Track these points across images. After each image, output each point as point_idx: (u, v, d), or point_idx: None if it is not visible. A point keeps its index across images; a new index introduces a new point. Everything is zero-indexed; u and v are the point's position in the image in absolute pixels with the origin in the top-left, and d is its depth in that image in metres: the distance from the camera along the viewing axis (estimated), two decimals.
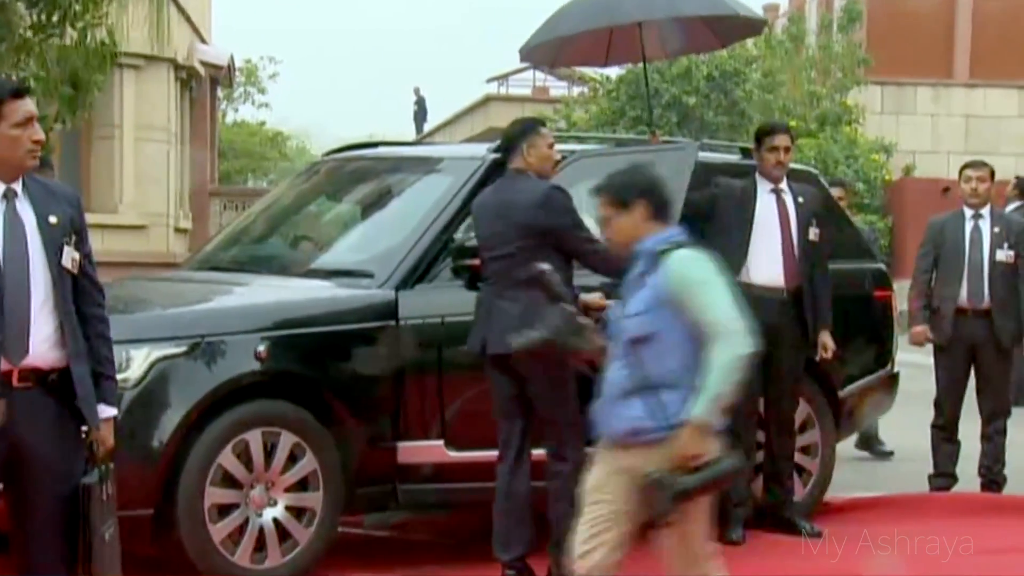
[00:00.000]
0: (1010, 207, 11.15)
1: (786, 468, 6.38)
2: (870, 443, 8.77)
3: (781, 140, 6.33)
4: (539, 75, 42.82)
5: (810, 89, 22.07)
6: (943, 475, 7.22)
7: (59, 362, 3.64)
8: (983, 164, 7.29)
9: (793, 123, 20.07)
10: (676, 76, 20.33)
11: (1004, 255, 7.09)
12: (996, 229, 7.14)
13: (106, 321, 3.82)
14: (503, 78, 42.61)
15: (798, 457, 6.61)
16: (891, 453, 8.74)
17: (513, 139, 5.56)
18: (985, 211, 7.17)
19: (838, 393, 6.83)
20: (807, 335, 6.27)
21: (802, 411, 6.61)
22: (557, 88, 39.30)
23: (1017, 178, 11.48)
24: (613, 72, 21.85)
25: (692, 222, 5.98)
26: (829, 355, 6.33)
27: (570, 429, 5.30)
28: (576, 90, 32.19)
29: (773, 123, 6.89)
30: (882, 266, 7.49)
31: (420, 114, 37.90)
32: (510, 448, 5.39)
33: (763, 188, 6.33)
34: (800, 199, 6.38)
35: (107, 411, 3.78)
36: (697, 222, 6.09)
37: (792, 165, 7.44)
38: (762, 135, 6.39)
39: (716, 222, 6.19)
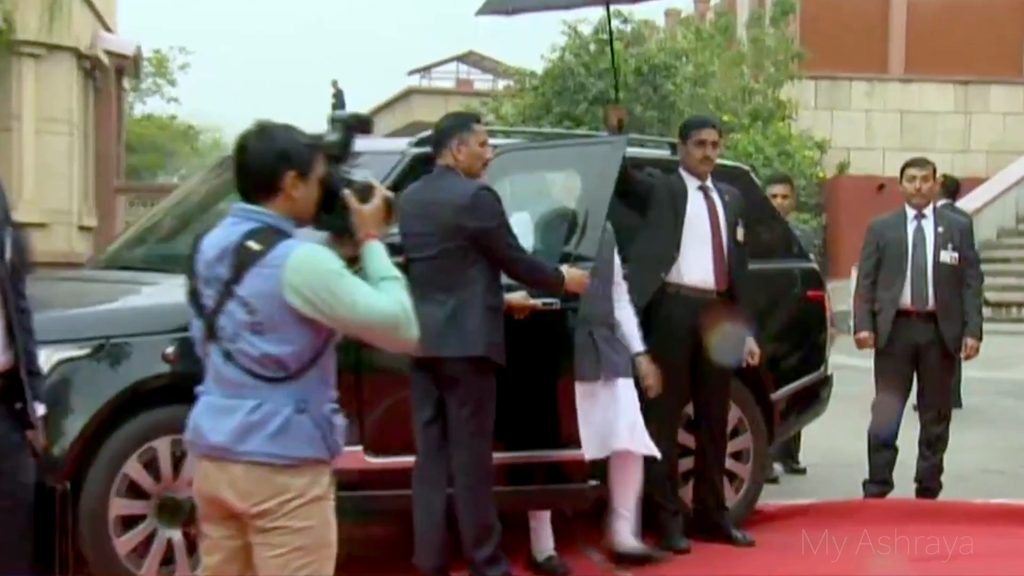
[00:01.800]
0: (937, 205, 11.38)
1: (718, 474, 6.44)
2: (784, 458, 8.45)
3: (708, 134, 6.31)
4: (463, 67, 42.87)
5: (742, 83, 22.29)
6: (877, 481, 7.28)
7: (7, 364, 3.62)
8: (926, 162, 7.33)
9: (725, 118, 20.27)
10: (603, 70, 20.42)
11: (949, 256, 7.11)
12: (940, 229, 7.16)
13: (29, 313, 3.81)
14: (425, 70, 42.58)
15: (730, 463, 6.68)
16: (803, 470, 8.41)
17: (443, 134, 5.55)
18: (928, 211, 7.20)
19: (770, 397, 6.92)
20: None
21: (733, 415, 6.68)
22: (482, 81, 39.38)
23: (944, 176, 11.68)
24: (539, 66, 21.92)
25: (631, 211, 6.15)
26: (755, 361, 6.39)
27: (479, 441, 5.35)
28: (502, 83, 32.26)
29: (701, 116, 6.91)
30: (815, 266, 7.57)
31: (338, 107, 37.68)
32: (427, 453, 5.42)
33: (691, 185, 6.33)
34: (726, 197, 6.40)
35: (40, 409, 3.76)
36: (634, 212, 6.21)
37: (724, 161, 7.54)
38: (689, 129, 6.37)
39: (650, 216, 6.24)
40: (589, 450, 5.68)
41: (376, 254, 3.32)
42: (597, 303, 5.82)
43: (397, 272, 3.31)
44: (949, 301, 7.09)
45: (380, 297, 3.22)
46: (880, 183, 20.84)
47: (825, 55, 23.64)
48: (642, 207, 6.26)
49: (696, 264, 6.22)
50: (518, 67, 23.52)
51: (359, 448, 5.60)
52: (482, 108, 23.10)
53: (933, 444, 7.21)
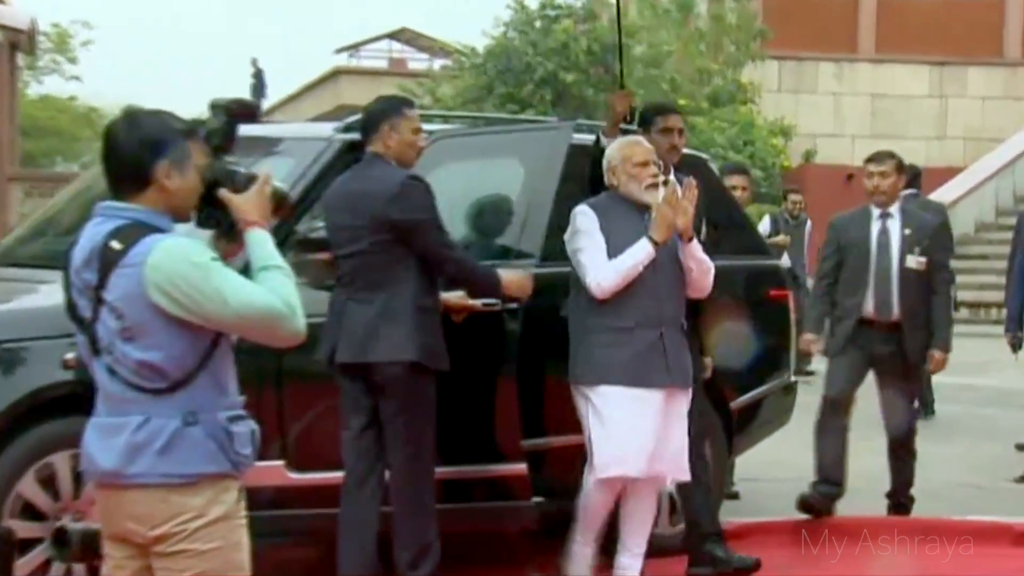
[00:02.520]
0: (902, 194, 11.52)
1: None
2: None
3: (674, 121, 6.31)
4: (396, 45, 42.78)
5: (700, 64, 22.41)
6: (827, 481, 7.16)
7: None
8: (888, 156, 7.25)
9: (682, 101, 20.36)
10: (551, 50, 20.48)
11: (915, 261, 7.02)
12: (907, 231, 7.07)
13: None
14: (355, 48, 42.46)
15: None
16: (736, 495, 8.12)
17: (373, 120, 5.57)
18: (894, 209, 7.13)
19: (730, 405, 6.97)
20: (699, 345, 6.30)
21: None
22: (417, 61, 39.31)
23: (909, 166, 11.83)
24: (480, 44, 21.93)
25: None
26: (707, 374, 6.42)
27: (419, 450, 5.38)
28: (439, 63, 32.22)
29: (662, 102, 6.95)
30: (779, 263, 7.63)
31: (258, 89, 37.54)
32: (357, 467, 5.43)
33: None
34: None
35: None
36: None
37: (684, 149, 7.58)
38: (652, 115, 6.31)
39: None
40: (616, 466, 5.61)
41: (256, 243, 3.31)
42: (666, 304, 5.80)
43: (280, 261, 3.30)
44: (915, 310, 7.04)
45: (254, 289, 3.20)
46: (849, 173, 21.04)
47: (790, 34, 23.82)
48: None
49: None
50: (457, 45, 23.52)
51: (280, 463, 5.60)
52: (417, 90, 23.06)
53: (900, 458, 7.26)
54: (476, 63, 21.69)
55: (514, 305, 5.81)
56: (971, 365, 11.48)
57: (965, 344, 11.57)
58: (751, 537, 6.91)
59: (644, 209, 5.82)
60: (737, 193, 8.12)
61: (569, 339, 5.82)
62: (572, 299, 5.89)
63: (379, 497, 5.41)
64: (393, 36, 42.40)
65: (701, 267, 5.88)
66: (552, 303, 6.06)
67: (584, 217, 5.83)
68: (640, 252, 5.70)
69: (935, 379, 11.38)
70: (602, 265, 5.73)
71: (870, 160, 7.30)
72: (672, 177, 6.29)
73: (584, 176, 6.27)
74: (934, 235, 7.21)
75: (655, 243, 5.70)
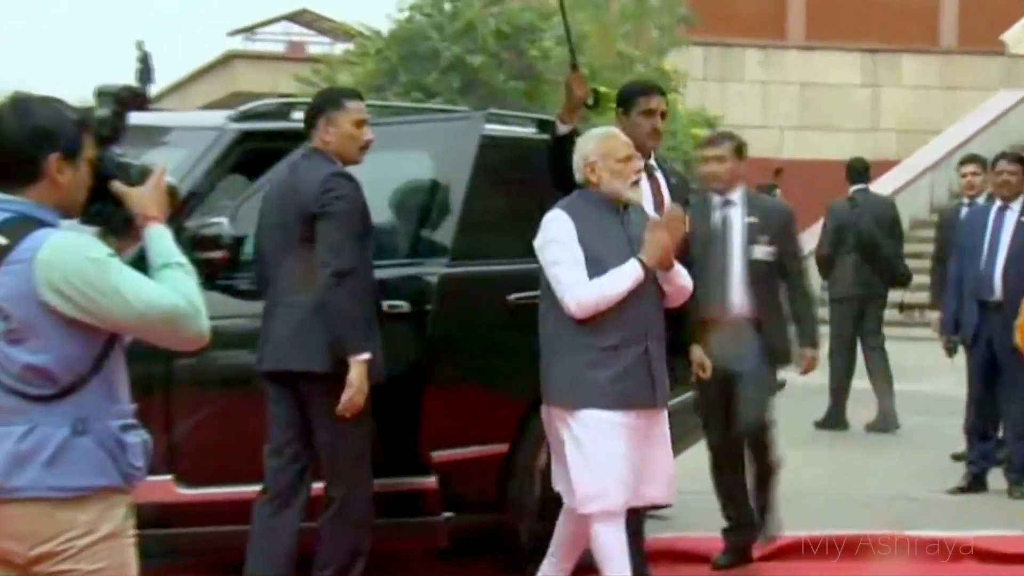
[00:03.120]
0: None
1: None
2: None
3: (658, 102, 6.21)
4: (295, 28, 42.55)
5: (621, 50, 22.52)
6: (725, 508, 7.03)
7: None
8: (725, 138, 7.02)
9: (602, 89, 20.44)
10: (458, 32, 20.48)
11: (763, 252, 6.76)
12: (752, 219, 6.81)
13: None
14: (249, 31, 42.17)
15: None
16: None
17: (309, 114, 5.65)
18: (737, 196, 6.83)
19: None
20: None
21: None
22: (317, 45, 39.13)
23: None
24: (385, 27, 21.88)
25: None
26: (706, 374, 6.45)
27: (351, 462, 5.42)
28: (340, 47, 32.07)
29: (644, 81, 6.77)
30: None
31: (144, 74, 37.11)
32: (277, 480, 5.45)
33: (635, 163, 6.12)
34: (672, 179, 6.31)
35: None
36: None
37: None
38: (634, 96, 6.24)
39: None
40: (599, 500, 5.46)
41: (156, 239, 3.30)
42: (651, 315, 5.62)
43: (182, 258, 3.30)
44: (768, 306, 6.78)
45: (154, 288, 3.19)
46: (778, 167, 21.25)
47: (715, 18, 24.03)
48: (567, 184, 6.00)
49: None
50: (360, 28, 23.45)
51: (168, 478, 5.57)
52: (315, 77, 22.96)
53: (761, 480, 6.85)
54: (379, 48, 21.62)
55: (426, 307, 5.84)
56: (905, 370, 11.65)
57: (898, 348, 11.75)
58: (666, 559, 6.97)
59: (623, 207, 5.65)
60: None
61: (541, 356, 5.63)
62: (544, 312, 5.65)
63: (300, 514, 5.43)
64: (292, 18, 42.17)
65: (680, 291, 5.75)
66: (464, 306, 6.07)
67: (558, 225, 5.58)
68: (628, 278, 5.50)
69: (860, 385, 11.55)
70: (581, 283, 5.50)
71: (706, 143, 7.20)
72: (653, 162, 6.26)
73: (498, 169, 6.29)
74: (783, 223, 6.93)
75: (645, 267, 5.50)
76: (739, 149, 6.92)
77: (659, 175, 6.30)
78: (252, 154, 6.30)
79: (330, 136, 5.55)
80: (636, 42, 22.93)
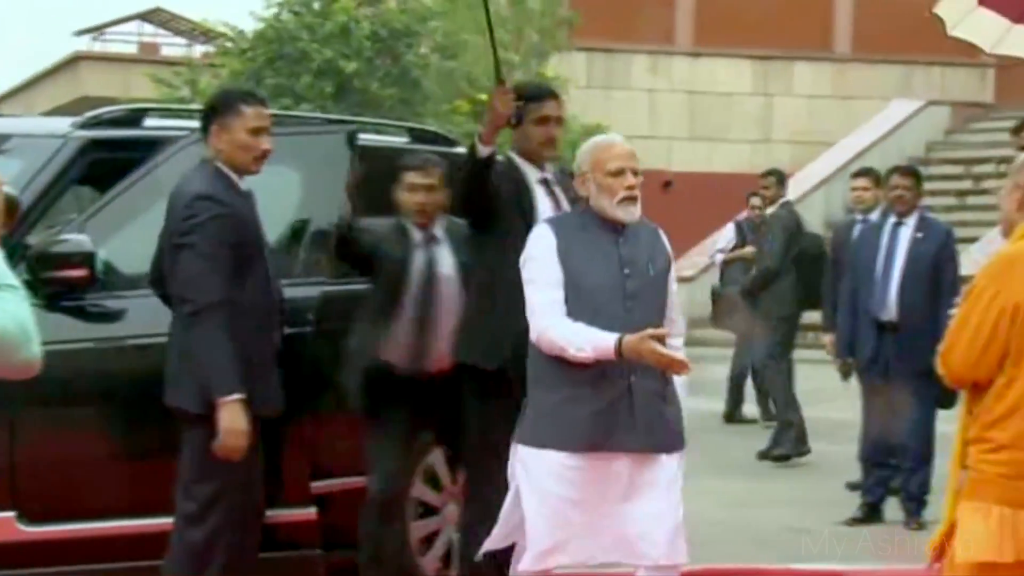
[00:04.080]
0: (775, 206, 11.79)
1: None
2: None
3: (552, 108, 6.08)
4: (147, 28, 42.13)
5: (500, 55, 22.59)
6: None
7: None
8: (434, 165, 6.48)
9: (482, 96, 20.49)
10: (330, 35, 20.40)
11: None
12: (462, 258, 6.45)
13: None
14: (98, 31, 41.67)
15: None
16: None
17: (204, 116, 5.58)
18: (439, 230, 6.43)
19: None
20: None
21: None
22: (173, 46, 38.79)
23: (775, 172, 12.14)
24: (249, 27, 21.75)
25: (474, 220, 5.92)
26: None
27: (195, 511, 5.40)
28: (199, 48, 31.84)
29: (538, 85, 6.55)
30: None
31: None
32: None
33: (531, 177, 6.07)
34: (570, 192, 6.08)
35: None
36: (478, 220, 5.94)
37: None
38: (526, 102, 6.06)
39: (495, 225, 5.89)
40: (556, 554, 5.20)
41: None
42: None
43: (14, 280, 3.23)
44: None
45: None
46: (666, 180, 21.43)
47: (600, 23, 24.17)
48: (482, 214, 5.95)
49: None
50: (220, 27, 23.27)
51: (11, 515, 5.48)
52: (175, 79, 22.76)
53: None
54: (243, 49, 21.47)
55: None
56: (799, 394, 11.78)
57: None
58: None
59: (618, 228, 5.36)
60: None
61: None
62: (531, 340, 5.35)
63: None
64: (145, 17, 41.73)
65: None
66: (345, 327, 6.06)
67: (538, 242, 5.34)
68: (600, 349, 5.11)
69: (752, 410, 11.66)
70: (550, 310, 5.21)
71: (412, 169, 6.52)
72: (549, 175, 6.11)
73: (375, 182, 6.27)
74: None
75: (620, 352, 5.09)
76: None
77: (558, 191, 6.12)
78: (100, 164, 6.22)
79: (222, 144, 5.48)
80: (516, 47, 23.00)
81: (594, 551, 5.25)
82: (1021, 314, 4.43)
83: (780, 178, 12.11)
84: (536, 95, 6.20)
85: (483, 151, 5.76)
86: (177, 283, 5.37)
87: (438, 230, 6.42)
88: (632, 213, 5.36)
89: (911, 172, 9.26)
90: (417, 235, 6.36)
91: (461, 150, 6.78)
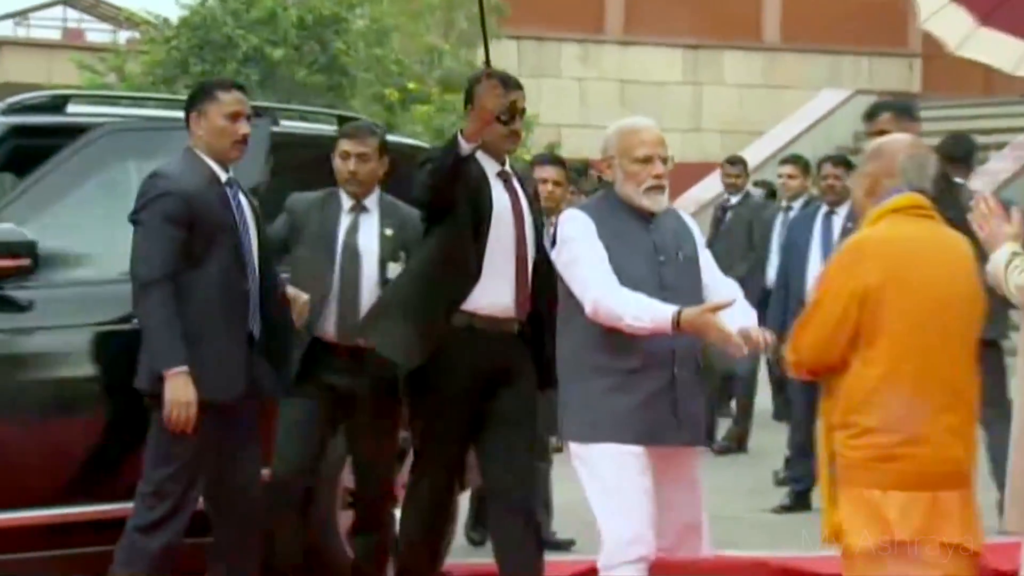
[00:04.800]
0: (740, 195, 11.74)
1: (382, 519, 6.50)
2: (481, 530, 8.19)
3: (514, 98, 5.82)
4: (71, 13, 41.75)
5: (429, 43, 22.54)
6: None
7: None
8: (369, 133, 6.44)
9: (411, 85, 20.46)
10: (257, 21, 20.27)
11: (396, 271, 6.22)
12: (388, 231, 6.38)
13: None
14: (20, 16, 41.23)
15: None
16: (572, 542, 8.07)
17: (186, 106, 5.66)
18: (371, 201, 6.42)
19: None
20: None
21: None
22: (98, 32, 38.46)
23: (736, 158, 12.13)
24: (175, 14, 21.59)
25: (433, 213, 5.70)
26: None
27: (151, 495, 5.45)
28: (124, 35, 31.56)
29: (499, 73, 5.87)
30: None
31: None
32: None
33: (489, 171, 5.81)
34: (529, 188, 6.02)
35: None
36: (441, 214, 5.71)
37: (402, 139, 7.63)
38: (471, 84, 5.79)
39: (452, 216, 5.71)
40: (636, 545, 5.14)
41: None
42: (680, 338, 5.17)
43: None
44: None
45: None
46: (588, 163, 21.43)
47: (530, 10, 24.18)
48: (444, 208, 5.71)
49: (496, 284, 5.68)
50: (145, 14, 23.09)
51: None
52: (100, 66, 22.55)
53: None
54: (168, 36, 21.32)
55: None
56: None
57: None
58: None
59: (647, 215, 5.28)
60: (548, 188, 7.59)
61: (559, 382, 5.40)
62: (560, 331, 5.35)
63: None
64: (68, 2, 41.36)
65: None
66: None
67: (575, 223, 5.29)
68: (658, 321, 5.05)
69: None
70: (607, 281, 5.12)
71: (344, 136, 6.42)
72: (508, 168, 5.91)
73: (298, 170, 6.25)
74: (419, 238, 6.26)
75: (678, 325, 5.04)
76: (383, 147, 6.39)
77: (516, 185, 5.95)
78: (22, 151, 6.16)
79: (200, 131, 5.57)
80: (445, 34, 22.98)
81: (658, 544, 5.22)
82: (872, 297, 4.53)
83: (806, 166, 11.53)
84: (501, 82, 5.82)
85: (465, 148, 5.51)
86: (131, 259, 5.46)
87: (370, 201, 6.38)
88: (660, 202, 5.28)
89: (843, 161, 9.31)
90: (346, 203, 6.35)
91: (390, 137, 6.74)
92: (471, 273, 5.66)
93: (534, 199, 6.01)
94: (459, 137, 5.52)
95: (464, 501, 7.69)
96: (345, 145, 6.35)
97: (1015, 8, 5.73)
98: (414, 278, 5.86)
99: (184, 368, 5.35)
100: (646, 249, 5.24)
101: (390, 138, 6.64)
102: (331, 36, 20.85)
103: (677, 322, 5.00)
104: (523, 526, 5.79)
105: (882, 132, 6.72)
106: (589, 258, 5.18)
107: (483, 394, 5.78)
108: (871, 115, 7.03)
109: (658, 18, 25.45)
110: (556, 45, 25.34)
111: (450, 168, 5.53)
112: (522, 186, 5.97)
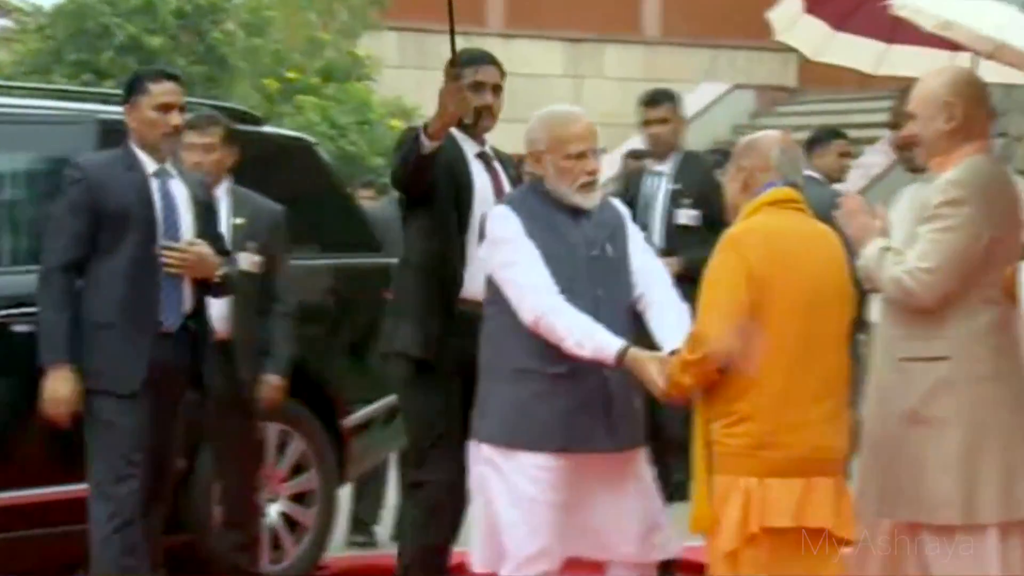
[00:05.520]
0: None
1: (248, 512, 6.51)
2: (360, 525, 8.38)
3: (488, 74, 5.83)
4: None
5: (310, 34, 22.43)
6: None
7: None
8: (211, 124, 6.46)
9: (291, 75, 20.37)
10: (134, 10, 20.05)
11: (248, 261, 6.34)
12: (238, 220, 6.41)
13: None
14: None
15: (290, 508, 6.79)
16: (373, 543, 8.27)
17: (122, 100, 5.66)
18: (222, 189, 6.44)
19: (343, 423, 7.03)
20: None
21: (296, 448, 6.79)
22: None
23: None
24: (47, 1, 21.29)
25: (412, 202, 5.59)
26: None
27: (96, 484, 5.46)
28: None
29: (475, 50, 6.09)
30: (394, 261, 7.74)
31: None
32: None
33: (468, 151, 5.72)
34: (511, 169, 5.89)
35: None
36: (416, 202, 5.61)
37: (281, 131, 7.61)
38: (460, 68, 5.66)
39: (433, 201, 5.59)
40: (539, 561, 4.91)
41: None
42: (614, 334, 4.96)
43: None
44: (249, 327, 6.41)
45: None
46: None
47: (411, 2, 24.14)
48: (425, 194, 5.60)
49: (481, 268, 5.33)
50: (18, 1, 22.75)
51: None
52: None
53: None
54: (42, 24, 21.05)
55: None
56: None
57: None
58: None
59: (579, 208, 5.06)
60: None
61: (479, 382, 5.12)
62: (487, 329, 5.10)
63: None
64: None
65: None
66: None
67: (504, 223, 5.03)
68: (600, 353, 4.84)
69: None
70: (552, 298, 4.88)
71: (188, 127, 6.21)
72: (487, 148, 5.83)
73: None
74: (271, 228, 6.52)
75: (620, 362, 4.84)
76: (228, 136, 6.37)
77: (497, 165, 5.85)
78: None
79: (133, 123, 5.57)
80: (326, 25, 22.88)
81: (571, 550, 5.05)
82: (755, 283, 4.59)
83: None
84: (472, 59, 5.85)
85: (427, 147, 5.34)
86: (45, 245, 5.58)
87: (220, 191, 6.38)
88: (592, 199, 5.08)
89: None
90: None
91: (269, 129, 6.72)
92: (461, 260, 5.53)
93: (517, 180, 5.82)
94: (421, 135, 5.37)
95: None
96: (189, 136, 6.26)
97: (869, 13, 5.83)
98: (415, 272, 5.67)
99: (63, 364, 5.36)
100: (576, 243, 5.03)
101: (269, 130, 6.61)
102: (209, 26, 20.70)
103: (620, 360, 4.81)
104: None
105: (665, 120, 6.93)
106: (527, 264, 4.94)
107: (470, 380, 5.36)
108: (655, 101, 7.19)
109: (539, 11, 25.55)
110: (438, 37, 25.26)
111: (414, 163, 5.39)
112: (504, 168, 5.86)
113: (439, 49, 26.23)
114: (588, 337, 4.82)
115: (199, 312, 5.75)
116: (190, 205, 5.69)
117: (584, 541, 5.06)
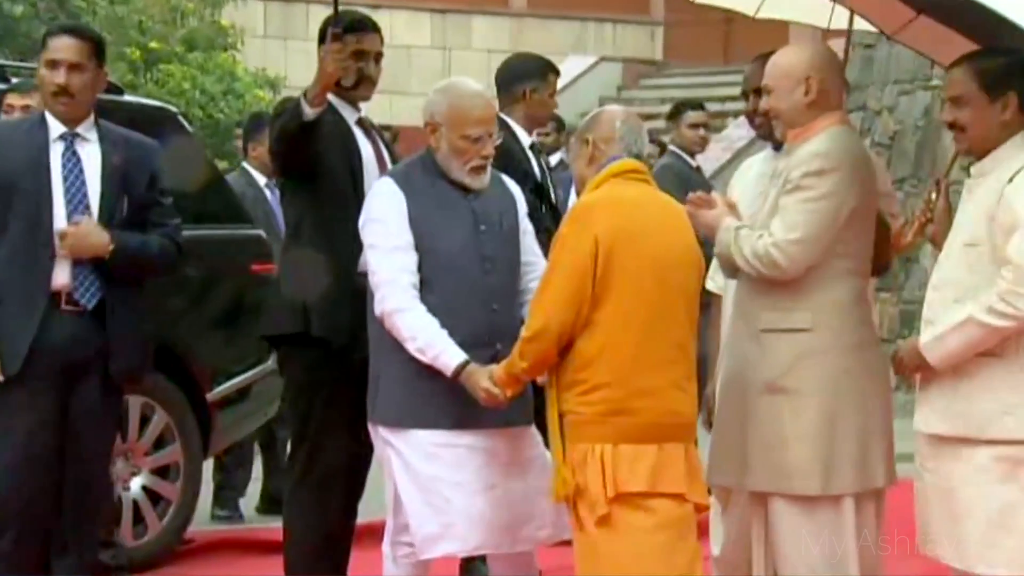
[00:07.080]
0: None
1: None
2: (225, 499, 8.29)
3: (370, 42, 5.69)
4: None
5: (174, 3, 22.16)
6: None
7: None
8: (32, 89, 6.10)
9: (154, 44, 20.09)
10: None
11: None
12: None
13: None
14: None
15: (153, 481, 6.73)
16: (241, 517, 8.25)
17: None
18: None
19: (207, 396, 6.97)
20: None
21: (159, 422, 6.72)
22: None
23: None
24: None
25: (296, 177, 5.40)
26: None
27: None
28: None
29: (354, 14, 5.90)
30: (261, 233, 7.71)
31: None
32: None
33: (348, 118, 5.58)
34: (386, 136, 5.92)
35: None
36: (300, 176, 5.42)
37: (145, 100, 7.51)
38: (343, 32, 5.49)
39: (320, 174, 5.40)
40: (445, 542, 4.82)
41: None
42: (501, 314, 4.98)
43: None
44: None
45: None
46: None
47: None
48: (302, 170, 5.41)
49: None
50: None
51: None
52: None
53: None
54: None
55: None
56: None
57: None
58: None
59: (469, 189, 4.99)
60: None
61: (369, 362, 5.01)
62: (371, 308, 4.95)
63: None
64: None
65: None
66: None
67: (383, 200, 4.94)
68: (439, 364, 4.79)
69: None
70: (400, 287, 4.81)
71: (12, 90, 6.24)
72: (364, 115, 5.67)
73: None
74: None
75: (456, 377, 4.79)
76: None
77: (375, 133, 5.72)
78: None
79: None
80: None
81: (483, 539, 4.90)
82: (602, 254, 4.63)
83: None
84: (353, 26, 5.66)
85: (309, 113, 5.15)
86: None
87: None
88: (482, 181, 5.01)
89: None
90: None
91: (128, 98, 6.61)
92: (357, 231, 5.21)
93: (391, 147, 5.77)
94: (302, 101, 5.19)
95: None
96: (10, 99, 6.17)
97: None
98: (306, 246, 5.43)
99: None
100: (466, 218, 4.97)
101: (129, 98, 6.52)
102: None
103: (457, 375, 4.78)
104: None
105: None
106: (385, 248, 4.87)
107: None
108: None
109: None
110: (303, 7, 25.12)
111: (294, 133, 5.19)
112: (381, 138, 5.74)
113: (303, 19, 26.24)
114: (430, 346, 4.79)
115: (121, 291, 5.45)
116: (102, 172, 5.39)
117: (504, 536, 4.94)
